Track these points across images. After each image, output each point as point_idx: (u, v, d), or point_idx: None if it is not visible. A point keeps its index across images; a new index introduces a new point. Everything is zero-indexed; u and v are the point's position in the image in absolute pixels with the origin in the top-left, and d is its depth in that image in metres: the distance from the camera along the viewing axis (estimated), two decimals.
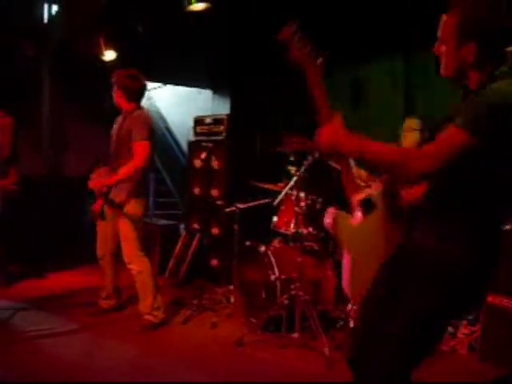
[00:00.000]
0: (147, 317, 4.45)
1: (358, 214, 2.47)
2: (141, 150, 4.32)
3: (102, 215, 4.48)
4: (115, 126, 4.62)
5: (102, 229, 4.68)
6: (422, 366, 3.48)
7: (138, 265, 4.44)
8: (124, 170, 4.32)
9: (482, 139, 1.88)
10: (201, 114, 6.72)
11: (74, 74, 7.03)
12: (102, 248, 4.73)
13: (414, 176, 1.98)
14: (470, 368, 3.75)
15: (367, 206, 2.36)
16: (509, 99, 1.90)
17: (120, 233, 4.48)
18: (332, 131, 2.06)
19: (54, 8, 7.85)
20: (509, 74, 2.00)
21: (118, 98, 4.54)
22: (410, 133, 4.45)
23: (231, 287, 5.12)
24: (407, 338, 2.08)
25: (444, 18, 2.12)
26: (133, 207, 4.43)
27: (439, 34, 2.13)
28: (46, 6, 7.94)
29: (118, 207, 4.38)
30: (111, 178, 4.35)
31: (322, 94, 2.18)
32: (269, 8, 5.80)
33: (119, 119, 4.62)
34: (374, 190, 2.59)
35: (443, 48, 2.11)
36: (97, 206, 4.44)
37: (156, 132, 4.87)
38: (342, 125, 2.08)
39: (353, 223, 2.89)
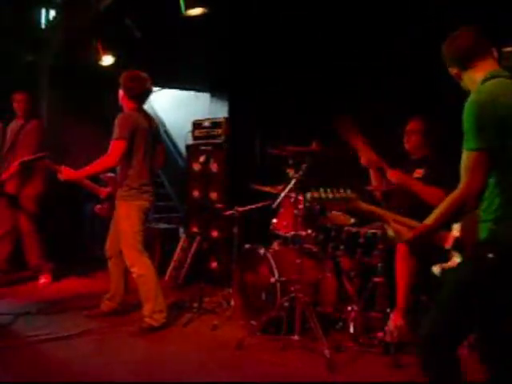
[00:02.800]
0: (147, 320, 4.46)
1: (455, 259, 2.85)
2: (113, 148, 4.35)
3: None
4: None
5: (112, 230, 4.70)
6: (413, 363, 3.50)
7: (139, 268, 4.45)
8: (92, 165, 4.39)
9: (488, 147, 2.33)
10: (199, 117, 6.74)
11: (72, 79, 7.04)
12: (110, 249, 4.73)
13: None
14: (471, 367, 3.74)
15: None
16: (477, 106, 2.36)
17: (119, 235, 4.50)
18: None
19: (52, 13, 7.87)
20: (494, 76, 2.48)
21: (121, 98, 4.62)
22: (413, 135, 4.46)
23: (231, 290, 5.12)
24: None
25: None
26: (131, 205, 4.46)
27: None
28: (43, 11, 7.96)
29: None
30: (79, 172, 4.42)
31: None
32: (267, 11, 5.82)
33: None
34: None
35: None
36: (103, 209, 4.49)
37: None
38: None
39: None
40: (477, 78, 2.55)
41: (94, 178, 4.88)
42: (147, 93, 4.70)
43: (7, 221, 5.86)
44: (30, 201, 5.81)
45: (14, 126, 5.91)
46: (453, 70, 2.68)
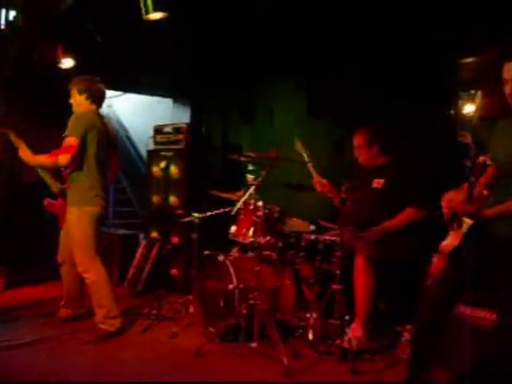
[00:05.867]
0: (102, 326, 4.40)
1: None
2: (67, 144, 4.25)
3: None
4: None
5: (64, 235, 4.64)
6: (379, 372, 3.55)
7: (93, 273, 4.40)
8: (45, 157, 4.31)
9: None
10: (161, 122, 6.71)
11: (32, 82, 6.93)
12: (63, 254, 4.67)
13: None
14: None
15: None
16: None
17: (72, 239, 4.43)
18: None
19: (12, 13, 7.74)
20: None
21: (78, 103, 4.53)
22: (360, 150, 4.56)
23: (191, 297, 5.08)
24: None
25: None
26: (83, 211, 4.39)
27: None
28: (3, 12, 7.83)
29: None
30: (34, 157, 4.34)
31: None
32: (229, 16, 5.82)
33: None
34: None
35: None
36: (51, 204, 4.43)
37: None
38: None
39: None
40: None
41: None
42: (104, 95, 4.68)
43: None
44: None
45: None
46: None
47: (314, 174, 4.62)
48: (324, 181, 4.62)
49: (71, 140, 4.23)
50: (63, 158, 4.20)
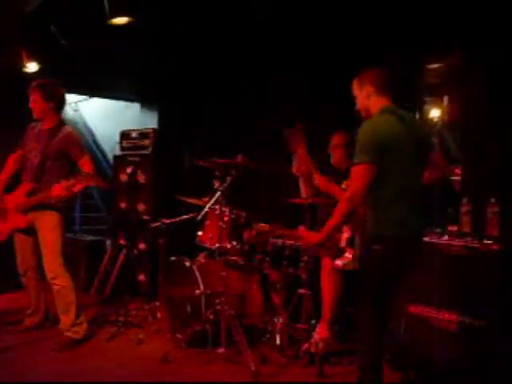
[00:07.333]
0: (68, 334, 4.36)
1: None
2: (90, 162, 4.39)
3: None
4: (32, 141, 4.48)
5: (22, 243, 4.56)
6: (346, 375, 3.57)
7: (62, 280, 4.35)
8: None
9: (376, 161, 2.81)
10: (129, 127, 6.65)
11: None
12: (24, 263, 4.60)
13: (357, 208, 2.96)
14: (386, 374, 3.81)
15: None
16: (376, 126, 2.92)
17: (43, 246, 4.37)
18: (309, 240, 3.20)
19: None
20: (390, 111, 2.99)
21: (46, 110, 4.43)
22: (337, 149, 4.55)
23: (158, 303, 5.05)
24: None
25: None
26: (54, 218, 4.35)
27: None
28: None
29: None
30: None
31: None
32: (198, 22, 5.81)
33: (39, 133, 4.48)
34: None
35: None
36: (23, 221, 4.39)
37: None
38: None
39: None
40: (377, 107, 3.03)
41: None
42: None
43: None
44: None
45: None
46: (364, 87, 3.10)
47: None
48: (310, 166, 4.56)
49: (89, 158, 4.42)
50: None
